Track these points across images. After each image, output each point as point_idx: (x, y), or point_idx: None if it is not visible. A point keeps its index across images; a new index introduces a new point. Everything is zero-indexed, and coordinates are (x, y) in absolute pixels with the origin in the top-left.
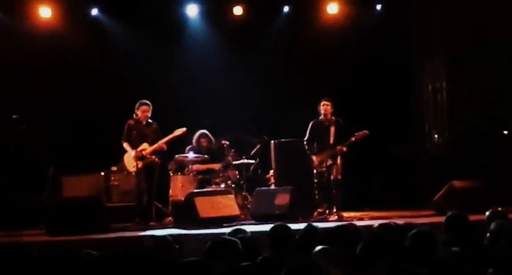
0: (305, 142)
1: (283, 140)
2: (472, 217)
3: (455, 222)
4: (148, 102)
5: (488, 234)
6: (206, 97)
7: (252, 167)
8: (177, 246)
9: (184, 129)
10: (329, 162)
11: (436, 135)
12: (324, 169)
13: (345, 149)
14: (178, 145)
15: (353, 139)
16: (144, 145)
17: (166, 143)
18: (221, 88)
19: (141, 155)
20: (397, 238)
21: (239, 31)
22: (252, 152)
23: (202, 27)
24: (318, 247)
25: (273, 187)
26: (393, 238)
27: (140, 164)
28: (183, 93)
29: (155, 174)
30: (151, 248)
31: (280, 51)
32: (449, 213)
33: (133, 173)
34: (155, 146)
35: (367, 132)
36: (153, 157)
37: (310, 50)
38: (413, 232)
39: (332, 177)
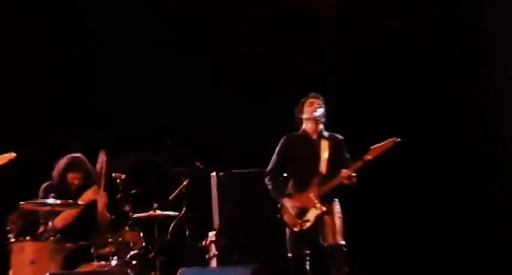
0: (268, 176)
1: (235, 171)
2: None
3: None
4: None
5: None
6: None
7: (172, 225)
8: None
9: (12, 154)
10: (319, 209)
11: None
12: (309, 224)
13: (354, 175)
14: (28, 182)
15: (369, 156)
16: None
17: None
18: (121, 78)
19: None
20: None
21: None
22: (173, 194)
23: None
24: None
25: (214, 263)
26: None
27: None
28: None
29: None
30: None
31: (227, 25)
32: None
33: None
34: None
35: (398, 140)
36: None
37: (282, 21)
38: None
39: (326, 242)
